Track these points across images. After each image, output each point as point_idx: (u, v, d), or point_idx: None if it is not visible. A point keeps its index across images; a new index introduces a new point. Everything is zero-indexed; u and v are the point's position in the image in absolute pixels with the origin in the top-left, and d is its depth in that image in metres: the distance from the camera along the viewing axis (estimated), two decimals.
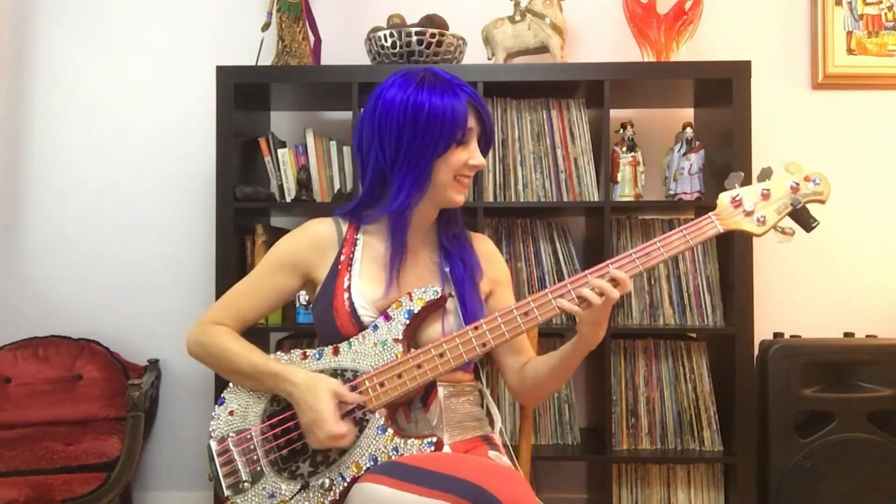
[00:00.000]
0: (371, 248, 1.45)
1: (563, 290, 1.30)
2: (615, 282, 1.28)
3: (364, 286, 1.41)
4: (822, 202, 1.33)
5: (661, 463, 2.31)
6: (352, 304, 1.39)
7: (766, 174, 1.33)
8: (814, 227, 1.32)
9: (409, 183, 1.37)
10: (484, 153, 1.42)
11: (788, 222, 1.33)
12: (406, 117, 1.34)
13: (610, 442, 2.25)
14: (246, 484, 1.33)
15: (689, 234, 1.32)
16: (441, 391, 1.39)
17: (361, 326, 1.38)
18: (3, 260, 2.67)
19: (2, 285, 2.66)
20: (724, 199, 1.34)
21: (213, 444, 1.37)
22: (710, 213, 1.33)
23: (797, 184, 1.32)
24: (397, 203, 1.37)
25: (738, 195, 1.32)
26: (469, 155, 1.38)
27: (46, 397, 2.40)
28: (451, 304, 1.41)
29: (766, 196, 1.32)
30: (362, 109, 1.43)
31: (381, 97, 1.38)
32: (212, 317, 1.45)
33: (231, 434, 1.36)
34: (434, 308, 1.38)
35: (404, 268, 1.43)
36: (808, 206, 1.32)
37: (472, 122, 1.38)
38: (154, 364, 2.55)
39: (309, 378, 1.31)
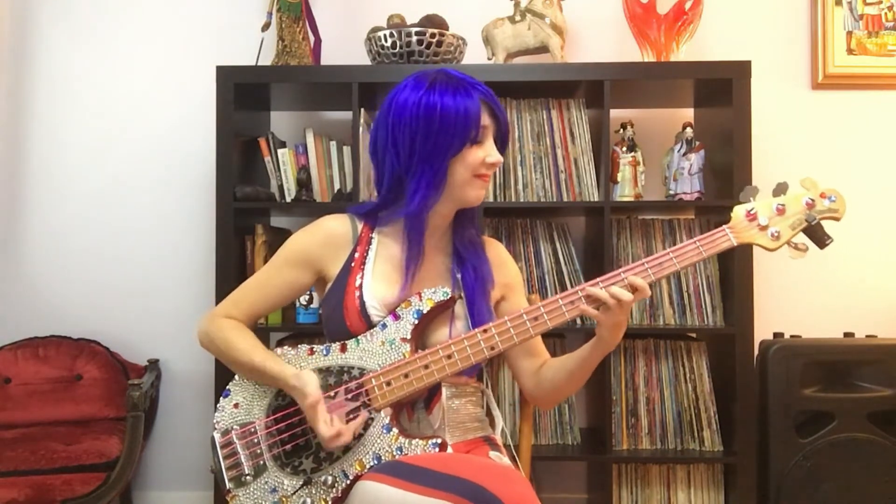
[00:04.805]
0: (386, 248, 1.44)
1: (574, 297, 1.30)
2: (634, 288, 1.28)
3: (376, 286, 1.40)
4: (837, 219, 1.33)
5: (661, 463, 2.31)
6: (362, 302, 1.38)
7: (781, 189, 1.33)
8: (827, 244, 1.32)
9: (425, 185, 1.35)
10: (501, 150, 1.41)
11: (802, 238, 1.32)
12: (419, 119, 1.33)
13: (610, 442, 2.25)
14: (248, 477, 1.33)
15: (703, 247, 1.31)
16: (445, 392, 1.39)
17: (370, 325, 1.37)
18: (3, 260, 2.66)
19: (2, 285, 2.66)
20: (739, 212, 1.33)
21: (217, 436, 1.36)
22: (724, 226, 1.32)
23: (813, 200, 1.32)
24: (413, 206, 1.36)
25: (753, 209, 1.32)
26: (486, 153, 1.37)
27: (46, 397, 2.40)
28: (460, 309, 1.40)
29: (781, 211, 1.32)
30: (377, 114, 1.42)
31: (394, 100, 1.37)
32: (223, 309, 1.46)
33: (235, 427, 1.36)
34: (443, 309, 1.38)
35: (417, 271, 1.42)
36: (822, 222, 1.32)
37: (486, 120, 1.36)
38: (154, 364, 2.55)
39: (297, 380, 1.30)
